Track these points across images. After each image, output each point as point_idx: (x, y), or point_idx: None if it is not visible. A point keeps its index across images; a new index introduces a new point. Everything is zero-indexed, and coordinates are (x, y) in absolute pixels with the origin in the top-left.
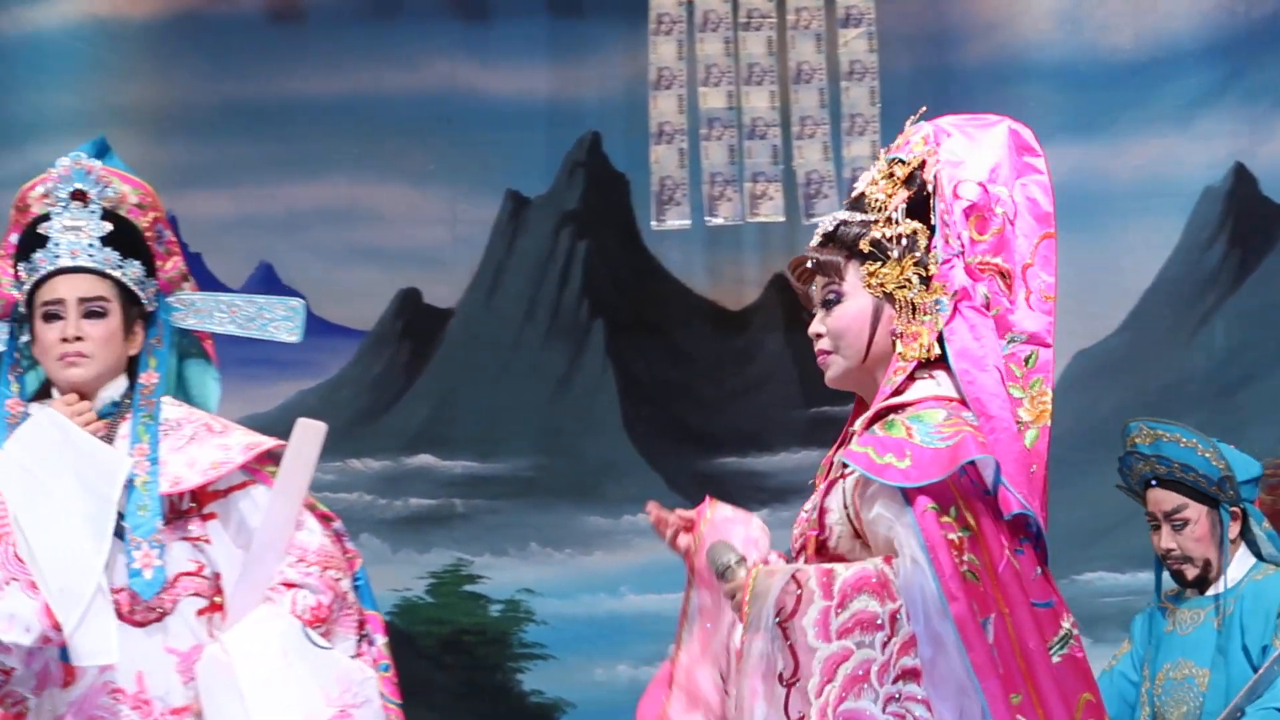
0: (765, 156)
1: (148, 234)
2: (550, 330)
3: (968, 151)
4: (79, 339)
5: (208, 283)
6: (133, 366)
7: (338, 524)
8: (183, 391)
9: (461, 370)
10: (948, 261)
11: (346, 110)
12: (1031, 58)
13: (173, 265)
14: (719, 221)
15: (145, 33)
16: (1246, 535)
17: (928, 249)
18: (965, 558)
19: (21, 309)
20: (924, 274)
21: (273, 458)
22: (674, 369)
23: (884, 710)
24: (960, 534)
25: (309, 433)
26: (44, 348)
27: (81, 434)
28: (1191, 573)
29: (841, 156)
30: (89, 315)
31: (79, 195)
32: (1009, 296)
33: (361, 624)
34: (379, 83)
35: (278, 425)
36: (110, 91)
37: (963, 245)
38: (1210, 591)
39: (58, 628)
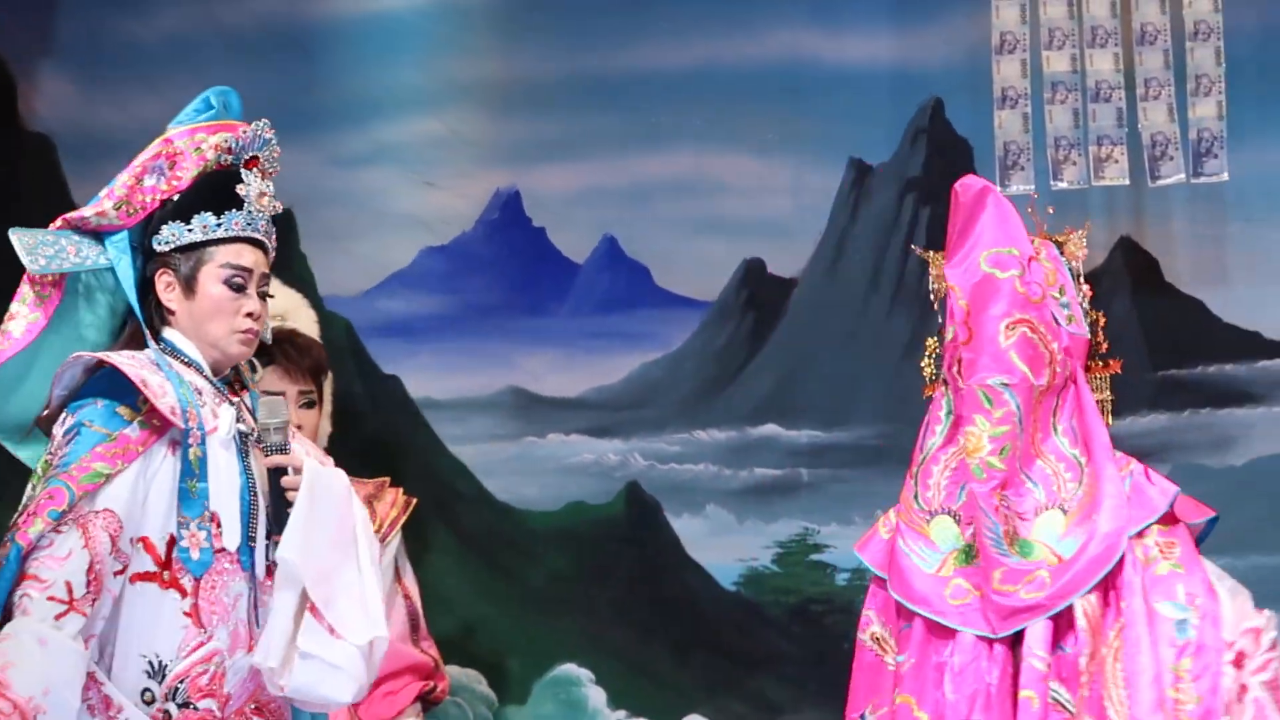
0: (1110, 120)
1: None
2: (895, 298)
3: None
4: (259, 316)
5: (552, 256)
6: None
7: None
8: None
9: (806, 340)
10: None
11: (691, 82)
12: None
13: None
14: (1064, 186)
15: (490, 9)
16: None
17: None
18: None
19: (152, 244)
20: None
21: None
22: None
23: None
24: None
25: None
26: (219, 310)
27: None
28: None
29: (1187, 118)
30: (261, 295)
31: (254, 161)
32: None
33: None
34: (723, 53)
35: (624, 397)
36: (456, 68)
37: None
38: None
39: None
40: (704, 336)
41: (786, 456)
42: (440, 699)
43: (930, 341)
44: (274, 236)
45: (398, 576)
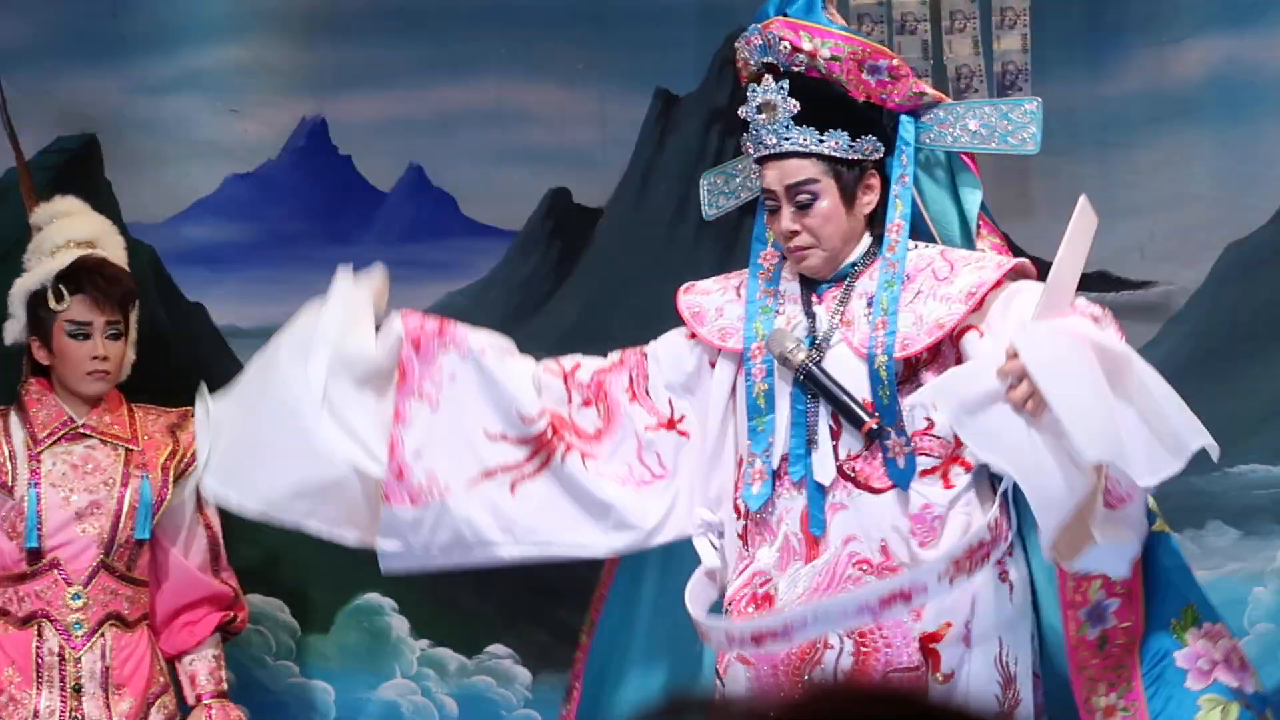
0: (915, 52)
1: (851, 82)
2: (701, 229)
3: None
4: (795, 232)
5: (358, 185)
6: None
7: None
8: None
9: (611, 270)
10: None
11: (495, 10)
12: None
13: (901, 91)
14: None
15: None
16: None
17: None
18: None
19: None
20: None
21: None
22: None
23: None
24: None
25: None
26: (770, 227)
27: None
28: None
29: (992, 50)
30: (801, 207)
31: (769, 68)
32: None
33: None
34: None
35: None
36: None
37: None
38: None
39: None
40: (510, 266)
41: None
42: (240, 629)
43: None
44: (802, 134)
45: (199, 506)
